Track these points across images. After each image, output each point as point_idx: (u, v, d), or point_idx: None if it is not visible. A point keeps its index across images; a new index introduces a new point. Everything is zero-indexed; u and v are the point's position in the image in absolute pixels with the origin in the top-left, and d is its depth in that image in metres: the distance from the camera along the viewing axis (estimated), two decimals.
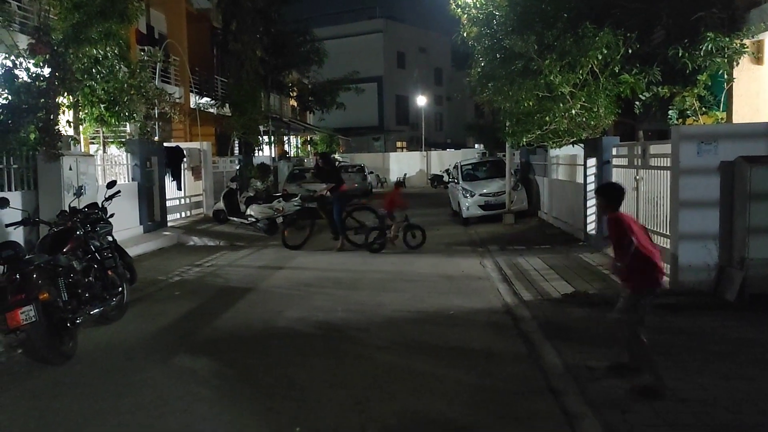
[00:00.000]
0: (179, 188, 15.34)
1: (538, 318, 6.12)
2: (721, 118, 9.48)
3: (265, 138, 23.97)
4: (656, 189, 7.79)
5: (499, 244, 11.37)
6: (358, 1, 69.21)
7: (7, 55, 8.89)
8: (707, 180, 6.61)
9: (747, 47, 8.97)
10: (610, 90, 9.41)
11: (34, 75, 9.02)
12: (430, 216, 15.95)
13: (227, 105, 20.64)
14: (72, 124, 10.51)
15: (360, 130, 46.01)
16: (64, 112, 9.95)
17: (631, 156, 8.96)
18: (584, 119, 9.84)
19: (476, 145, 36.35)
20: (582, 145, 10.78)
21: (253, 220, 13.78)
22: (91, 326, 6.05)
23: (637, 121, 11.49)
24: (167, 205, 13.97)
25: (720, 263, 6.58)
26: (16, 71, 8.86)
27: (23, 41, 9.37)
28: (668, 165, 7.20)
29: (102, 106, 11.20)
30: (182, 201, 15.69)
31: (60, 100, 9.54)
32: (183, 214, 15.67)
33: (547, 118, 10.07)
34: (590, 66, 9.24)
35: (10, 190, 8.66)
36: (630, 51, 9.26)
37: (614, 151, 9.71)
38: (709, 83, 9.16)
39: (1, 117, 8.56)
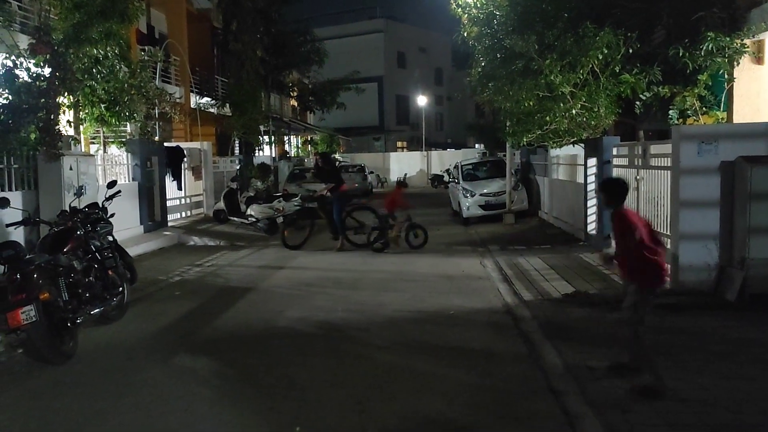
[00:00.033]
0: (180, 188, 15.35)
1: (538, 318, 6.12)
2: (722, 118, 9.48)
3: (266, 138, 23.98)
4: (657, 189, 7.79)
5: (500, 244, 11.37)
6: (358, 0, 69.30)
7: (7, 55, 8.89)
8: (708, 180, 6.60)
9: (747, 47, 8.97)
10: (611, 90, 9.41)
11: (34, 75, 9.02)
12: (430, 216, 15.93)
13: (228, 105, 20.64)
14: (72, 124, 10.52)
15: (360, 130, 46.03)
16: (64, 112, 9.95)
17: (632, 156, 8.96)
18: (585, 119, 9.84)
19: (477, 145, 36.40)
20: (582, 145, 10.77)
21: (254, 220, 13.78)
22: (92, 326, 6.05)
23: (637, 121, 11.48)
24: (168, 204, 13.98)
25: (720, 263, 6.58)
26: (17, 71, 8.86)
27: (24, 41, 9.37)
28: (669, 165, 7.20)
29: (102, 105, 11.20)
30: (182, 201, 15.69)
31: (60, 99, 9.54)
32: (183, 214, 15.67)
33: (548, 118, 10.07)
34: (591, 66, 9.24)
35: (10, 189, 8.67)
36: (630, 51, 9.26)
37: (615, 151, 9.71)
38: (710, 83, 9.17)
39: (2, 117, 8.56)
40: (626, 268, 4.30)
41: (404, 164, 37.15)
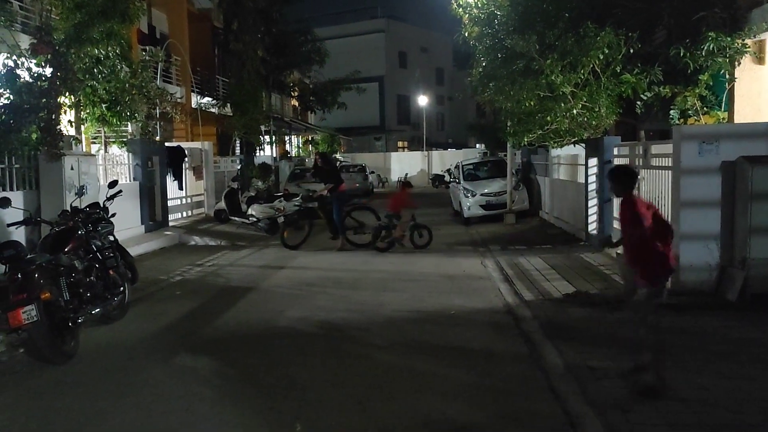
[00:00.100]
0: (180, 188, 15.36)
1: (539, 318, 6.12)
2: (723, 118, 9.47)
3: (267, 138, 23.98)
4: (658, 189, 7.78)
5: (501, 244, 11.37)
6: (359, 0, 69.28)
7: (9, 55, 8.89)
8: (708, 180, 6.60)
9: (749, 47, 8.96)
10: (612, 90, 9.41)
11: (35, 75, 9.02)
12: (431, 216, 15.91)
13: (228, 105, 20.65)
14: (74, 124, 10.51)
15: (361, 130, 46.02)
16: (65, 112, 9.95)
17: (633, 156, 8.95)
18: (585, 119, 9.84)
19: (477, 145, 36.38)
20: (583, 144, 10.77)
21: (255, 219, 13.79)
22: (93, 326, 6.06)
23: (638, 121, 11.48)
24: (168, 204, 13.99)
25: (721, 263, 6.58)
26: (18, 71, 8.87)
27: (25, 41, 9.37)
28: (669, 165, 7.20)
29: (103, 105, 11.22)
30: (183, 201, 15.70)
31: (62, 99, 9.55)
32: (184, 214, 15.68)
33: (549, 118, 10.07)
34: (591, 66, 9.24)
35: (11, 189, 8.67)
36: (631, 51, 9.26)
37: (615, 151, 9.71)
38: (711, 83, 9.16)
39: (3, 117, 8.56)
40: (631, 256, 4.28)
41: (405, 164, 37.16)
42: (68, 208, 6.75)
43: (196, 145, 17.03)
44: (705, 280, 6.63)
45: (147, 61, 13.75)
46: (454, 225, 15.33)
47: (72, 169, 9.39)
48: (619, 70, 9.28)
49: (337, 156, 32.40)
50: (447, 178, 27.42)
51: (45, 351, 4.94)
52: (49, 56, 9.02)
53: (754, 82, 9.34)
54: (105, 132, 12.66)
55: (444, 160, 35.66)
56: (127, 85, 11.41)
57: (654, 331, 4.14)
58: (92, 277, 6.00)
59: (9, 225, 6.30)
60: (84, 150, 11.84)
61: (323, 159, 12.41)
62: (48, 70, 9.12)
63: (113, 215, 7.17)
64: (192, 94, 20.56)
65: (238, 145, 21.75)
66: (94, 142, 13.29)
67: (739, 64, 9.06)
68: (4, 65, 8.84)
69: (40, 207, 9.04)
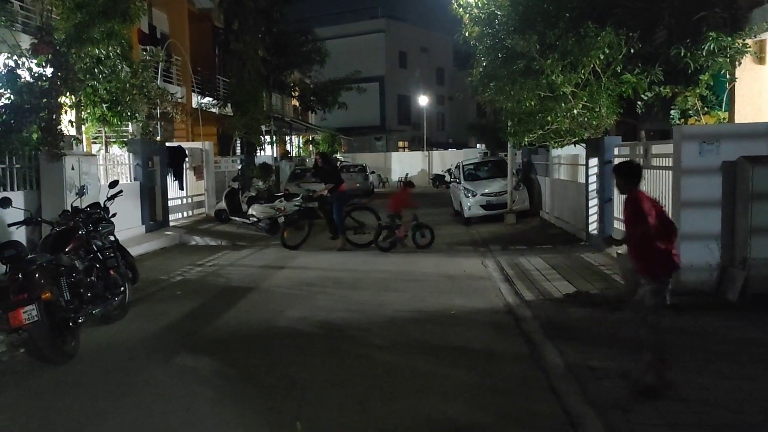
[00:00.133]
0: (181, 188, 15.36)
1: (539, 318, 6.12)
2: (723, 118, 9.47)
3: (267, 138, 23.99)
4: (658, 189, 7.77)
5: (501, 244, 11.37)
6: (359, 0, 69.27)
7: (9, 55, 8.90)
8: (709, 180, 6.59)
9: (749, 47, 8.96)
10: (612, 90, 9.40)
11: (36, 75, 9.03)
12: (432, 216, 15.88)
13: (229, 105, 20.65)
14: (74, 124, 10.51)
15: (362, 130, 46.02)
16: (66, 112, 9.96)
17: (633, 156, 8.95)
18: (586, 119, 9.83)
19: (478, 145, 36.40)
20: (584, 144, 10.77)
21: (255, 219, 13.79)
22: (93, 326, 6.06)
23: (639, 121, 11.48)
24: (169, 204, 13.99)
25: (722, 263, 6.58)
26: (19, 71, 8.87)
27: (26, 41, 9.38)
28: (670, 165, 7.20)
29: (104, 105, 11.21)
30: (184, 201, 15.71)
31: (62, 99, 9.55)
32: (185, 214, 15.69)
33: (549, 118, 10.07)
34: (592, 66, 9.24)
35: (12, 189, 8.68)
36: (632, 51, 9.25)
37: (616, 151, 9.71)
38: (711, 83, 9.16)
39: (4, 117, 8.57)
40: (634, 253, 4.27)
41: (405, 164, 37.15)
42: (69, 208, 6.76)
43: (197, 145, 17.04)
44: (705, 280, 6.62)
45: (148, 61, 13.74)
46: (454, 225, 15.32)
47: (73, 169, 9.40)
48: (619, 70, 9.27)
49: (338, 156, 32.40)
50: (447, 178, 27.41)
51: (46, 351, 4.94)
52: (49, 56, 9.03)
53: (755, 82, 9.33)
54: (106, 132, 12.67)
55: (444, 160, 35.65)
56: (127, 85, 11.41)
57: (654, 331, 4.13)
58: (93, 277, 6.00)
59: (10, 225, 6.31)
60: (85, 150, 11.84)
61: (323, 159, 12.41)
62: (49, 70, 9.12)
63: (114, 215, 7.18)
64: (193, 94, 20.56)
65: (238, 145, 21.76)
66: (95, 142, 13.30)
67: (740, 64, 9.06)
68: (5, 65, 8.85)
69: (40, 207, 9.04)
